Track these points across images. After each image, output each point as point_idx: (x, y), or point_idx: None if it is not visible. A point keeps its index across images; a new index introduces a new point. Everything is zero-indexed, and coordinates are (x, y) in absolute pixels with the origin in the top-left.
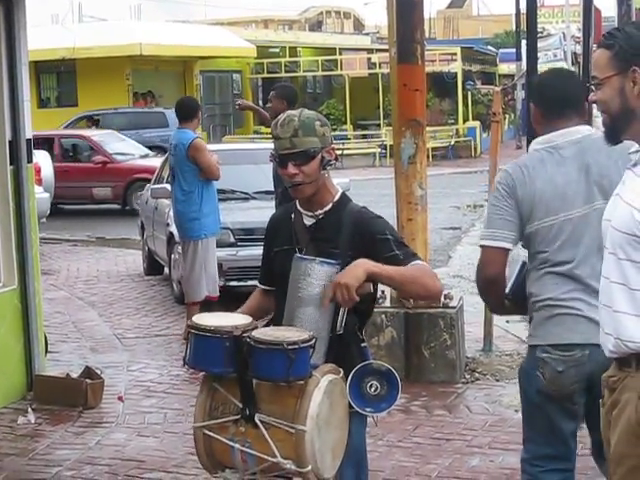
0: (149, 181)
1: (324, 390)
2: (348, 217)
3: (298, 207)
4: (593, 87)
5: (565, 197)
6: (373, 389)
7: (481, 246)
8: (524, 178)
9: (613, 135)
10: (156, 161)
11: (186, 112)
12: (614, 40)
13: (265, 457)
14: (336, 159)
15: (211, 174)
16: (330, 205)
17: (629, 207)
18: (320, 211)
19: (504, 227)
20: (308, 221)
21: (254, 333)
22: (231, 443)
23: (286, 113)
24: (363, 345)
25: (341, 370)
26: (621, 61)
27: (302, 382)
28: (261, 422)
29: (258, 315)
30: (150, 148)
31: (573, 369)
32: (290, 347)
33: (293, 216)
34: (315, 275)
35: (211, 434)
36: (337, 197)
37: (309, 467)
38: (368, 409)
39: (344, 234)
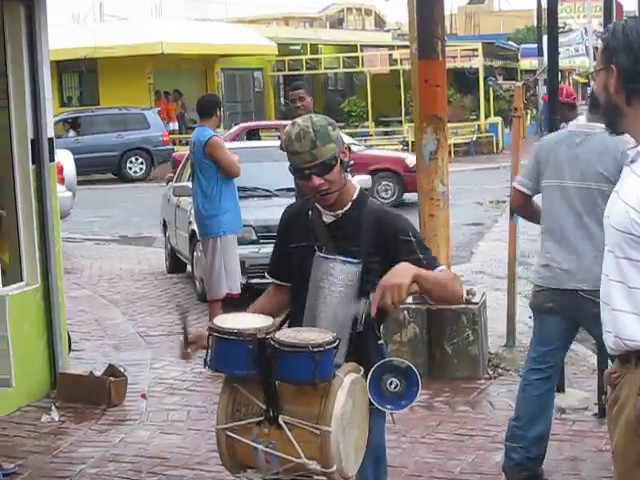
0: None
1: (347, 390)
2: (369, 215)
3: (316, 204)
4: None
5: None
6: (393, 386)
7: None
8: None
9: (610, 126)
10: None
11: (204, 109)
12: (606, 35)
13: (290, 458)
14: (352, 155)
15: (230, 171)
16: (350, 204)
17: (625, 205)
18: (340, 211)
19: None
20: (327, 218)
21: (277, 335)
22: (255, 444)
23: (296, 126)
24: (380, 342)
25: (361, 368)
26: (605, 57)
27: (326, 382)
28: (285, 423)
29: (275, 313)
30: (131, 150)
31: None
32: (315, 350)
33: (311, 213)
34: (337, 274)
35: (234, 436)
36: (356, 195)
37: (334, 467)
38: (389, 406)
39: (365, 232)
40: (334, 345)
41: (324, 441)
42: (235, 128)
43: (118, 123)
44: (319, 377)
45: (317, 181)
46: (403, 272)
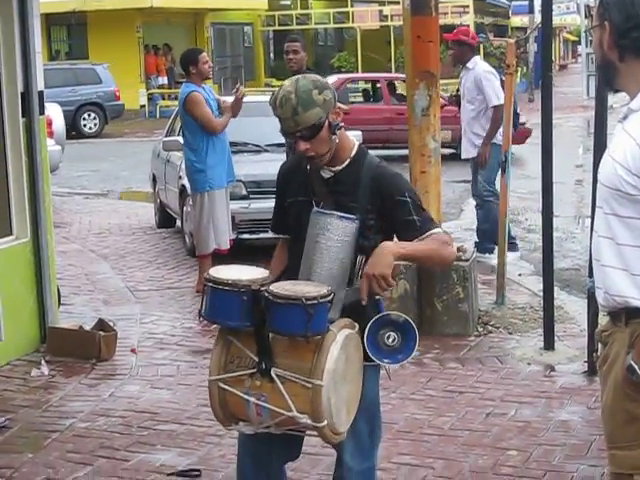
0: None
1: (341, 345)
2: (367, 171)
3: None
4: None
5: None
6: (391, 340)
7: None
8: None
9: (606, 82)
10: None
11: (182, 65)
12: None
13: (280, 411)
14: (346, 114)
15: (208, 128)
16: (348, 160)
17: (613, 161)
18: (339, 167)
19: None
20: (326, 174)
21: (272, 287)
22: (246, 397)
23: (281, 90)
24: (377, 298)
25: (356, 325)
26: (599, 14)
27: (319, 337)
28: (277, 376)
29: None
30: (86, 105)
31: None
32: (309, 302)
33: (309, 167)
34: (334, 230)
35: (226, 387)
36: (354, 151)
37: (325, 422)
38: (386, 360)
39: (363, 188)
40: (328, 299)
41: (315, 395)
42: (333, 79)
43: (70, 78)
44: (312, 330)
45: (303, 146)
46: (385, 259)
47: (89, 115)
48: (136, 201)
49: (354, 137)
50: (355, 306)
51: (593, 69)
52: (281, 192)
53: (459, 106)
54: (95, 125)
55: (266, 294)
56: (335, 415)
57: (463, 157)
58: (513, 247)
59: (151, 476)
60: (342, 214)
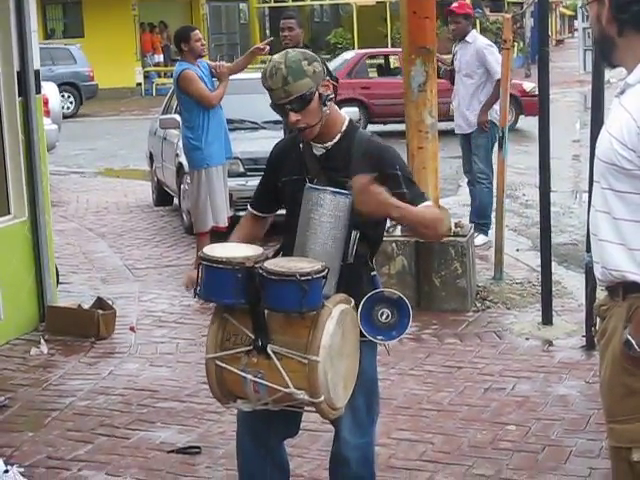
0: None
1: (336, 320)
2: (358, 146)
3: None
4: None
5: None
6: (384, 317)
7: None
8: None
9: (603, 58)
10: None
11: (175, 43)
12: None
13: (278, 387)
14: (335, 89)
15: (204, 102)
16: (339, 135)
17: (609, 136)
18: (330, 143)
19: None
20: (318, 151)
21: (266, 264)
22: (243, 374)
23: (271, 62)
24: (373, 274)
25: (352, 300)
26: None
27: (314, 313)
28: (273, 353)
29: (251, 242)
30: (61, 85)
31: None
32: (303, 278)
33: (302, 146)
34: (327, 205)
35: (223, 365)
36: (345, 126)
37: (322, 397)
38: (379, 337)
39: (355, 164)
40: (322, 274)
41: (312, 371)
42: (352, 54)
43: (45, 58)
44: (307, 306)
45: (294, 117)
46: (383, 207)
47: (64, 95)
48: (133, 179)
49: (352, 113)
50: (350, 282)
51: (590, 44)
52: (273, 171)
53: (452, 80)
54: (71, 104)
55: (260, 271)
56: (332, 390)
57: (457, 132)
58: (485, 231)
59: (151, 453)
60: (335, 189)
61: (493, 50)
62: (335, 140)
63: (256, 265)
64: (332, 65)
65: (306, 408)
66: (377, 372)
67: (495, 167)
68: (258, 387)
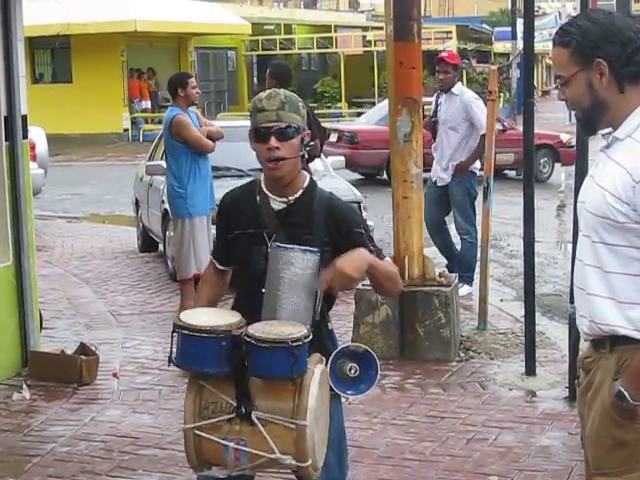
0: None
1: (318, 382)
2: (321, 203)
3: (264, 189)
4: (559, 86)
5: None
6: (352, 371)
7: None
8: None
9: (589, 128)
10: None
11: (169, 89)
12: (570, 37)
13: (262, 454)
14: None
15: (200, 148)
16: (301, 190)
17: (601, 190)
18: (292, 197)
19: None
20: (277, 205)
21: (251, 331)
22: (225, 442)
23: (269, 91)
24: (330, 328)
25: (324, 358)
26: (582, 56)
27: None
28: (258, 419)
29: (217, 300)
30: None
31: None
32: (294, 344)
33: (258, 198)
34: (298, 264)
35: (203, 434)
36: (307, 182)
37: (310, 461)
38: (349, 392)
39: (318, 221)
40: (310, 338)
41: (300, 435)
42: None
43: None
44: (297, 372)
45: (275, 142)
46: (359, 264)
47: None
48: (119, 225)
49: (334, 162)
50: (316, 339)
51: None
52: (225, 223)
53: (433, 132)
54: None
55: (247, 338)
56: (318, 452)
57: (439, 185)
58: (469, 281)
59: None
60: (305, 248)
61: (480, 104)
62: (297, 195)
63: (241, 332)
64: (370, 112)
65: (282, 470)
66: (344, 420)
67: (480, 217)
68: (240, 454)
